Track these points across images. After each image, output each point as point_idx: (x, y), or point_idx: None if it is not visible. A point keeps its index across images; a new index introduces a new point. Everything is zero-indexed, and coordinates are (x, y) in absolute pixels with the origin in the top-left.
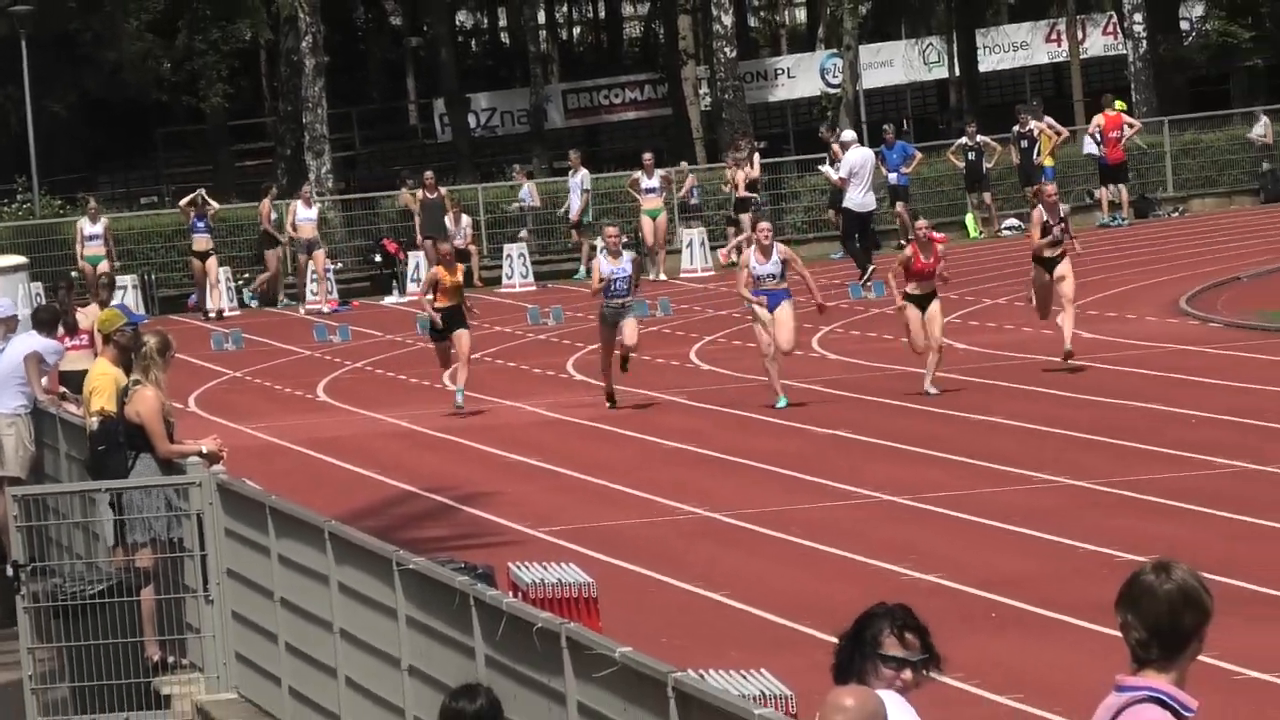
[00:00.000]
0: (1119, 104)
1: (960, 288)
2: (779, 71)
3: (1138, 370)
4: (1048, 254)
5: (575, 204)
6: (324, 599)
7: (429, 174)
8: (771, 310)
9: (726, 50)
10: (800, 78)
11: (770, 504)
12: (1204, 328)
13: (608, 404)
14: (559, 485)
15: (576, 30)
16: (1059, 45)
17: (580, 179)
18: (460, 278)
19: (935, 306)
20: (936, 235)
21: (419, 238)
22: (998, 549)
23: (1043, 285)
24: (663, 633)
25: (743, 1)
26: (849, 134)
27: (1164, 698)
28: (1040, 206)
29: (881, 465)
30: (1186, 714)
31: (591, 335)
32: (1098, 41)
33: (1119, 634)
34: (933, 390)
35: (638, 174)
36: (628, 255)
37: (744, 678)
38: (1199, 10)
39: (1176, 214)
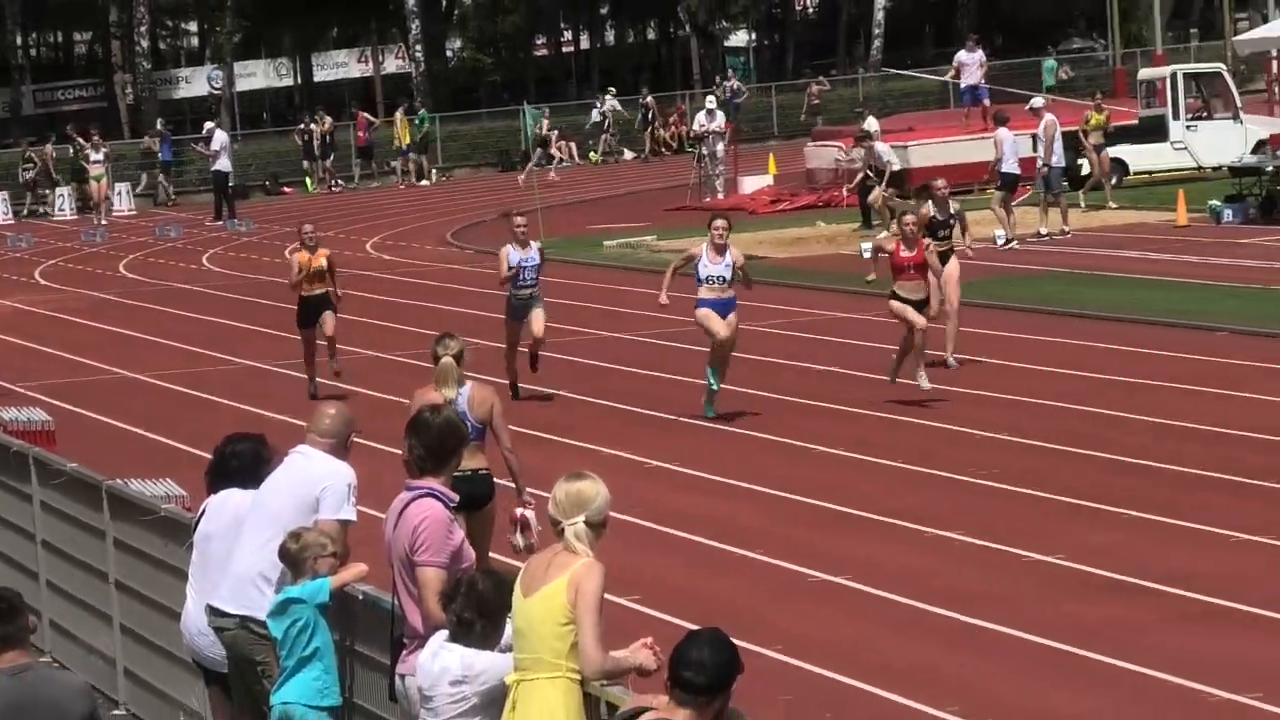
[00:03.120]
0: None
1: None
2: (181, 78)
3: (421, 281)
4: (940, 248)
5: None
6: None
7: None
8: (724, 315)
9: (144, 63)
10: (195, 83)
11: (185, 368)
12: (463, 253)
13: (511, 394)
14: (32, 355)
15: (43, 50)
16: (367, 65)
17: None
18: (323, 262)
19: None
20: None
21: None
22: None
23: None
24: (104, 456)
25: (155, 29)
26: (209, 124)
27: (436, 492)
28: (930, 201)
29: (259, 342)
30: (451, 503)
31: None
32: (392, 63)
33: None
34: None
35: (89, 149)
36: (535, 244)
37: (155, 484)
38: (459, 43)
39: (446, 179)
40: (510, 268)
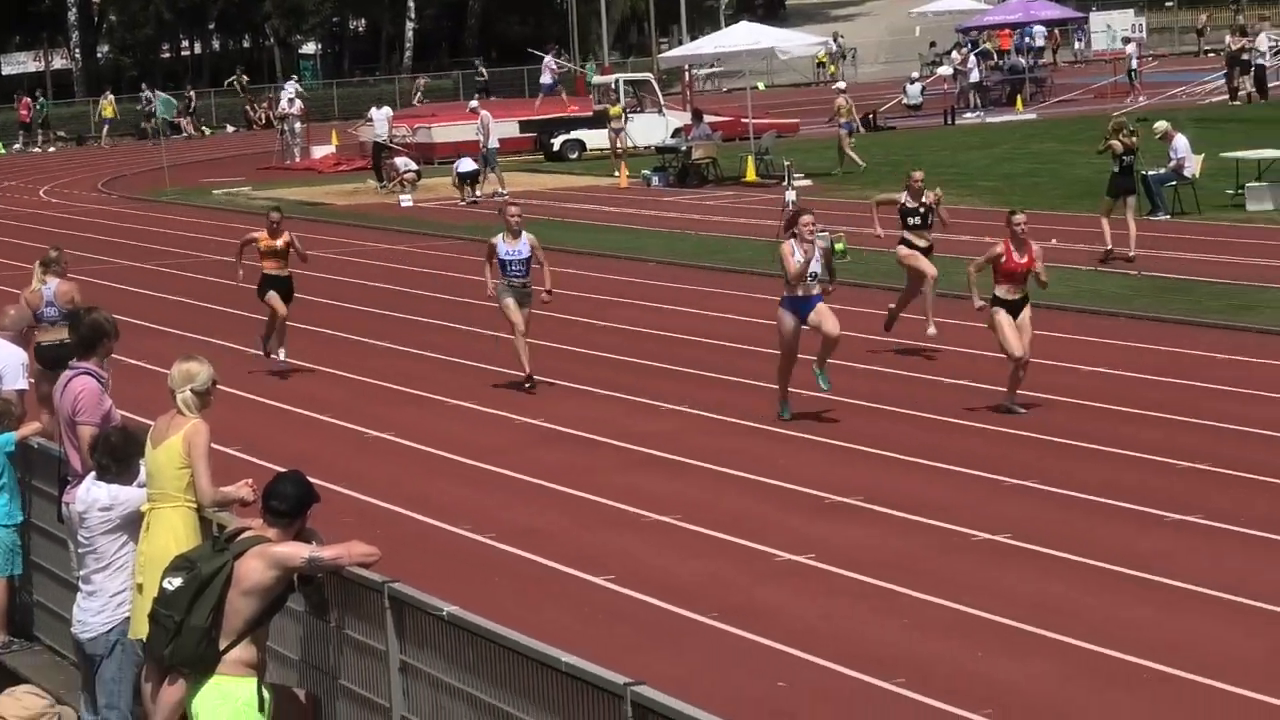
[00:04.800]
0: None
1: (16, 179)
2: None
3: (78, 217)
4: (919, 242)
5: None
6: None
7: None
8: (804, 318)
9: None
10: None
11: None
12: (116, 199)
13: (526, 385)
14: None
15: None
16: (40, 62)
17: None
18: (278, 244)
19: (1026, 313)
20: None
21: None
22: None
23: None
24: None
25: None
26: None
27: (89, 370)
28: (906, 191)
29: None
30: (102, 378)
31: None
32: (59, 61)
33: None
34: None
35: None
36: (527, 236)
37: None
38: (106, 48)
39: (99, 144)
40: (498, 259)
